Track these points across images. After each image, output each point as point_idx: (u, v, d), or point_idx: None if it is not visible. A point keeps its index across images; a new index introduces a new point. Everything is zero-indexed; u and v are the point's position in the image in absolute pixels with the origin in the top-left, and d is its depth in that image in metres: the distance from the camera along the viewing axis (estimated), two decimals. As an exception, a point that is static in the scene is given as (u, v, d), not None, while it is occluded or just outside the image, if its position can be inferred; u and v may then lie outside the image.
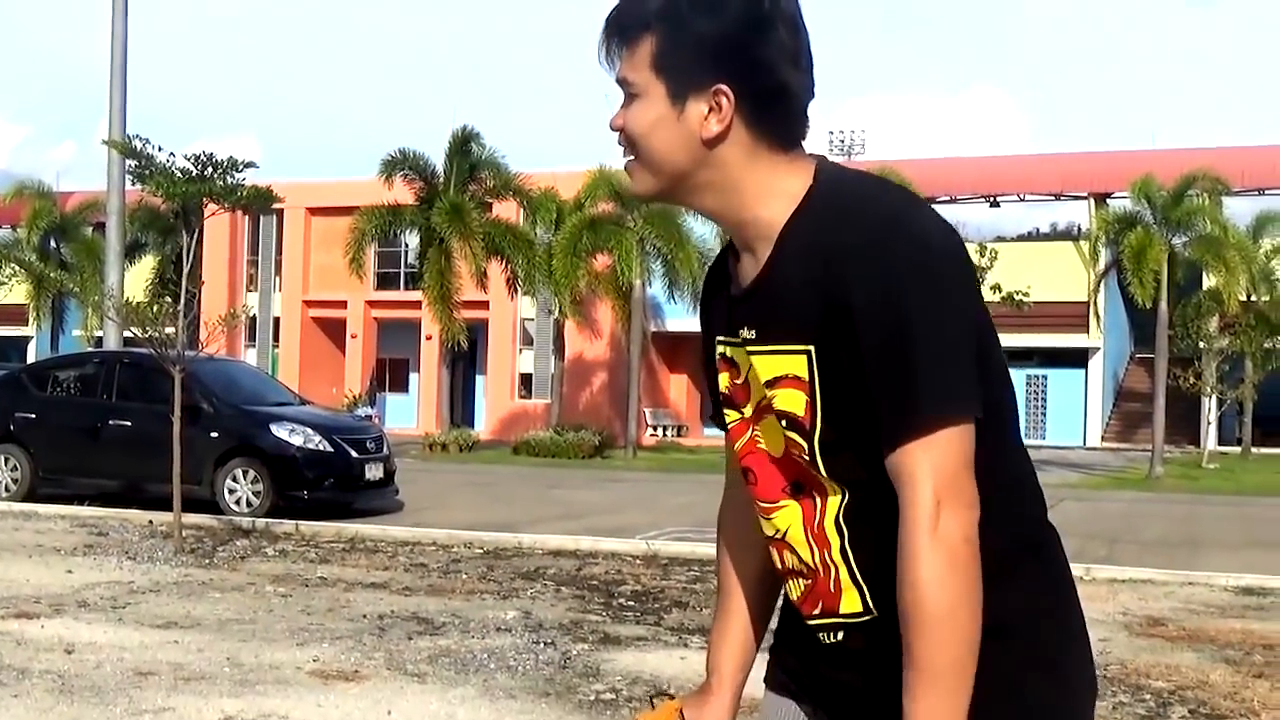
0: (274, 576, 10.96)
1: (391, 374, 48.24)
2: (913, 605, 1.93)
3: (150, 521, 14.20)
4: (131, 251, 35.53)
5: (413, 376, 47.55)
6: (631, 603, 10.13)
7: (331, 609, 9.44)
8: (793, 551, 2.21)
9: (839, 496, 2.12)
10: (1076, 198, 46.28)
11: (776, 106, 2.10)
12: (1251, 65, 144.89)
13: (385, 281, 46.83)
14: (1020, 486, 2.19)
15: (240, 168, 11.90)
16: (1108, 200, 41.24)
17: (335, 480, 16.28)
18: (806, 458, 2.10)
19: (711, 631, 2.45)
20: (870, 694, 2.11)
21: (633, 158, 2.16)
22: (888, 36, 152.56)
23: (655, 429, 43.09)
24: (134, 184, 14.22)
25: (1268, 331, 37.11)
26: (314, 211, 45.99)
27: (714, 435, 44.46)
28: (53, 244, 45.89)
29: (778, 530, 2.22)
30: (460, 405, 42.33)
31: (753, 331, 2.16)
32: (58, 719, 6.23)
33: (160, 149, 12.40)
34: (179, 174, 11.89)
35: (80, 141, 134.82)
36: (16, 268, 45.50)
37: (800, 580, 2.21)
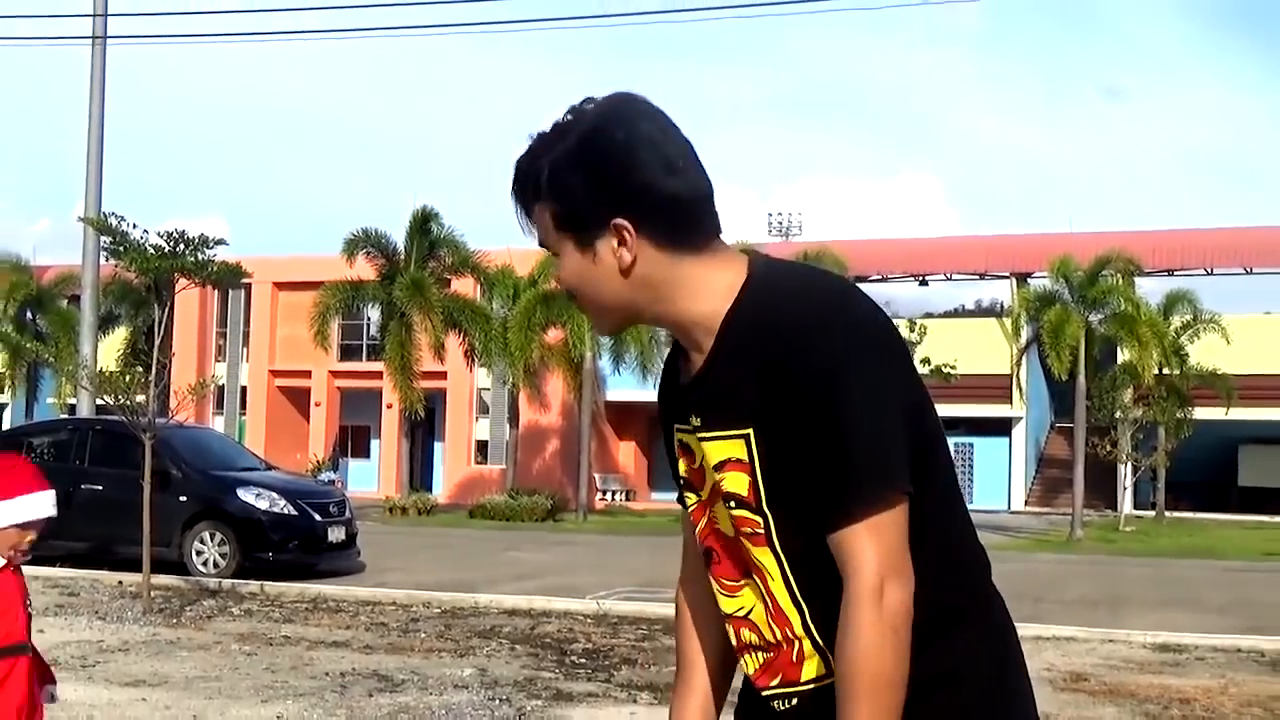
0: (239, 635, 10.82)
1: (354, 441, 48.00)
2: (853, 672, 1.94)
3: (120, 582, 14.02)
4: (105, 323, 35.28)
5: (374, 443, 47.27)
6: (583, 660, 10.05)
7: (295, 667, 9.32)
8: (753, 629, 2.19)
9: (780, 573, 2.11)
10: (999, 277, 46.72)
11: (674, 216, 2.10)
12: (1160, 154, 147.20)
13: (348, 353, 46.72)
14: (963, 547, 2.21)
15: (210, 245, 11.85)
16: (1028, 279, 41.72)
17: (299, 542, 16.11)
18: (762, 532, 2.09)
19: (673, 702, 2.42)
20: None
21: (580, 303, 2.21)
22: (826, 124, 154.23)
23: (605, 493, 42.97)
24: (108, 259, 14.16)
25: (1179, 403, 37.57)
26: (280, 286, 45.84)
27: (661, 499, 44.40)
28: (29, 315, 45.54)
29: (741, 608, 2.20)
30: (419, 470, 42.25)
31: (699, 419, 2.15)
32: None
33: (135, 226, 12.38)
34: (152, 250, 11.83)
35: (55, 217, 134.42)
36: (-6, 338, 45.34)
37: (758, 654, 2.19)
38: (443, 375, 41.00)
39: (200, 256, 11.88)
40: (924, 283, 47.36)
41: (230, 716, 7.53)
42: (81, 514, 16.30)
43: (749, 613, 2.19)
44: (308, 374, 46.92)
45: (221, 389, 46.26)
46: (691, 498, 2.27)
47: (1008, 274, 44.98)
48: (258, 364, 48.22)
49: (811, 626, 2.10)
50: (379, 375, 40.00)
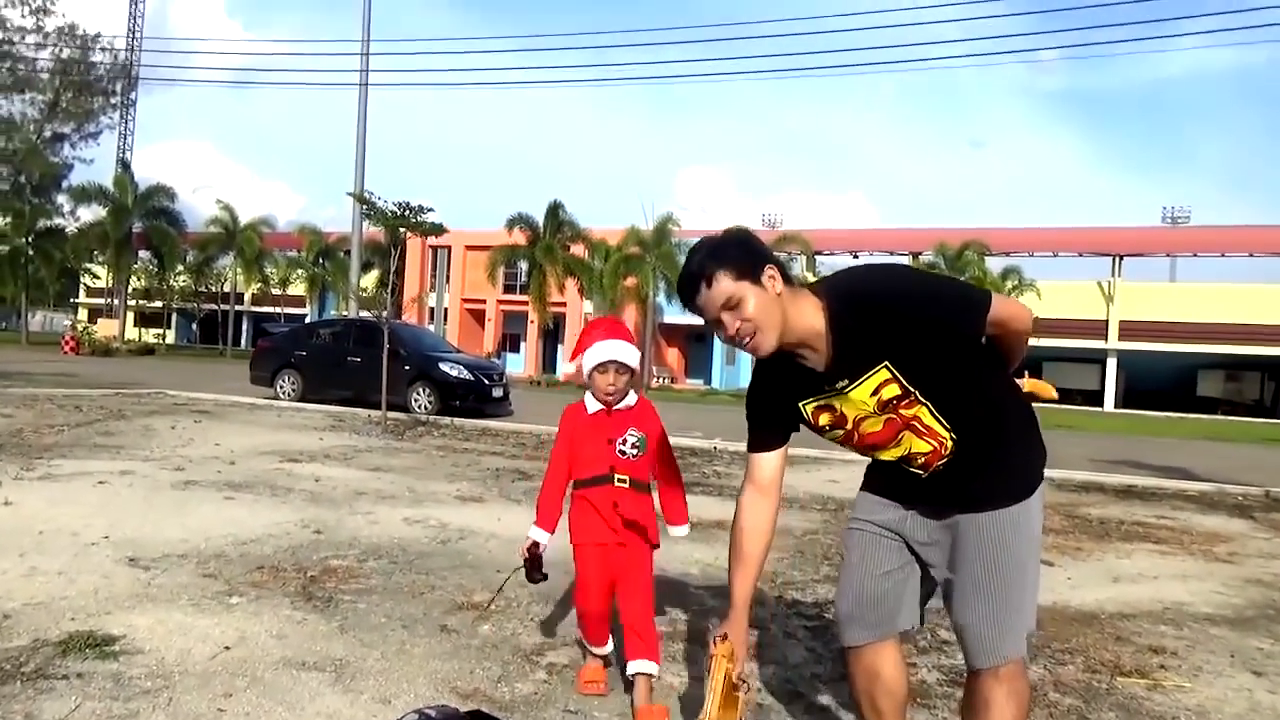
0: (437, 447, 10.86)
1: (510, 342, 47.99)
2: (1022, 328, 2.25)
3: (369, 415, 14.10)
4: (365, 267, 35.54)
5: (522, 343, 47.14)
6: (640, 467, 9.99)
7: (469, 464, 9.34)
8: (917, 452, 2.27)
9: (926, 409, 2.21)
10: (902, 254, 45.94)
11: (783, 270, 2.21)
12: (1003, 182, 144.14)
13: (508, 289, 46.50)
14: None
15: (424, 211, 11.75)
16: (919, 255, 40.96)
17: (475, 396, 16.13)
18: (913, 399, 2.21)
19: (732, 578, 2.41)
20: (956, 477, 2.27)
21: (752, 335, 2.16)
22: (801, 155, 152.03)
23: (657, 378, 42.86)
24: (365, 221, 14.06)
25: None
26: (469, 247, 45.57)
27: (692, 383, 44.28)
28: (320, 260, 45.96)
29: (907, 450, 2.28)
30: (548, 361, 42.30)
31: (845, 380, 2.21)
32: (310, 513, 6.13)
33: (379, 198, 12.32)
34: (389, 213, 11.75)
35: (338, 205, 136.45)
36: (301, 272, 45.74)
37: (920, 459, 2.28)
38: (564, 304, 40.84)
39: (418, 218, 11.78)
40: (855, 256, 46.50)
41: (429, 490, 7.52)
42: (347, 374, 16.48)
43: (911, 449, 2.27)
44: (484, 301, 46.90)
45: (432, 310, 46.45)
46: (838, 432, 2.30)
47: (906, 252, 44.19)
48: (454, 294, 48.24)
49: (950, 429, 2.24)
50: (526, 303, 39.95)
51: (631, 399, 3.19)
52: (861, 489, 2.49)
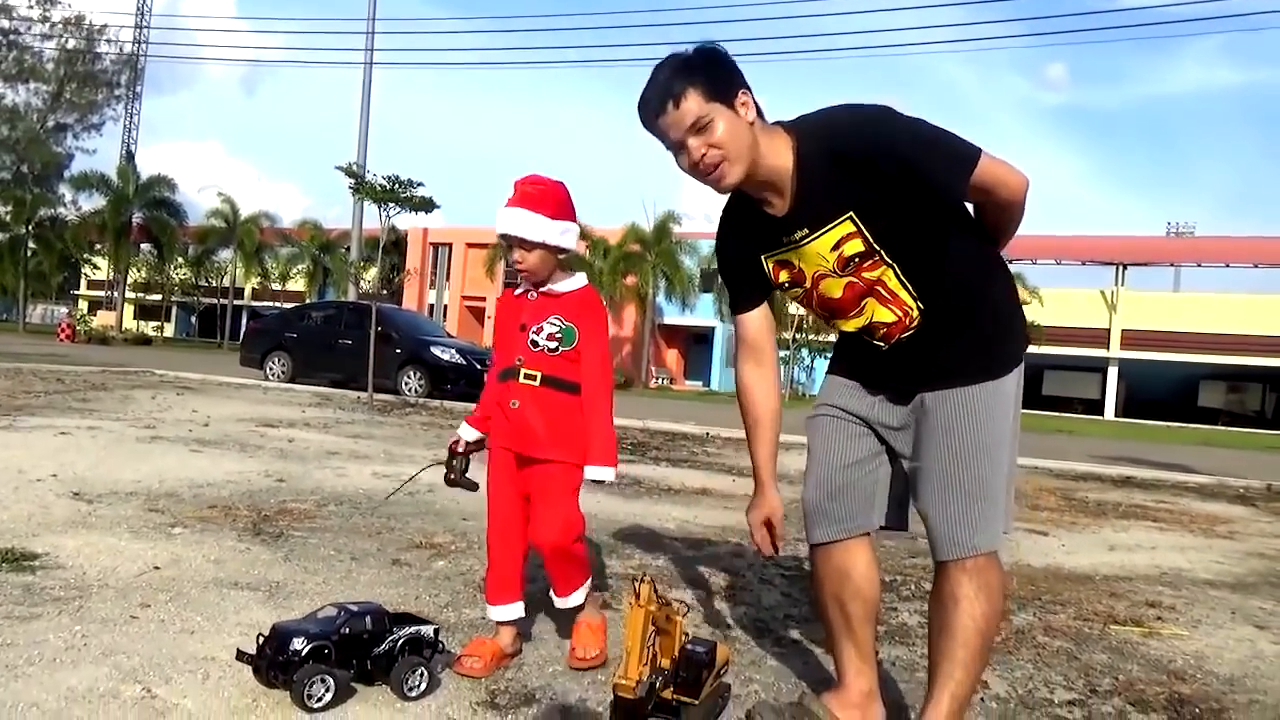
0: (422, 423, 10.61)
1: (509, 340, 47.95)
2: (1015, 196, 2.04)
3: (357, 396, 13.85)
4: (365, 262, 35.44)
5: (521, 342, 47.20)
6: (630, 448, 9.79)
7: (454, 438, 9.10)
8: (880, 323, 2.08)
9: (892, 271, 2.01)
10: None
11: (754, 98, 1.99)
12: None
13: (508, 286, 46.38)
14: None
15: (414, 185, 11.50)
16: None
17: (465, 380, 15.86)
18: (878, 260, 2.01)
19: (753, 449, 2.23)
20: (921, 350, 2.08)
21: (717, 164, 1.95)
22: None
23: (657, 378, 42.60)
24: (354, 196, 13.61)
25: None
26: (470, 245, 45.52)
27: (691, 384, 44.05)
28: (321, 253, 45.86)
29: (869, 318, 2.08)
30: (546, 358, 41.89)
31: (805, 229, 2.00)
32: (276, 466, 5.90)
33: (368, 171, 12.06)
34: (378, 188, 11.50)
35: (343, 205, 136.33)
36: (301, 267, 45.69)
37: (882, 329, 2.09)
38: (563, 302, 40.79)
39: (407, 193, 11.52)
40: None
41: (405, 452, 7.30)
42: (338, 356, 16.24)
43: (873, 317, 2.08)
44: (483, 298, 46.73)
45: (432, 306, 46.28)
46: (797, 290, 2.12)
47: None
48: (455, 291, 48.04)
49: (916, 295, 2.04)
50: (525, 300, 39.83)
51: (570, 284, 2.62)
52: (827, 372, 2.31)
